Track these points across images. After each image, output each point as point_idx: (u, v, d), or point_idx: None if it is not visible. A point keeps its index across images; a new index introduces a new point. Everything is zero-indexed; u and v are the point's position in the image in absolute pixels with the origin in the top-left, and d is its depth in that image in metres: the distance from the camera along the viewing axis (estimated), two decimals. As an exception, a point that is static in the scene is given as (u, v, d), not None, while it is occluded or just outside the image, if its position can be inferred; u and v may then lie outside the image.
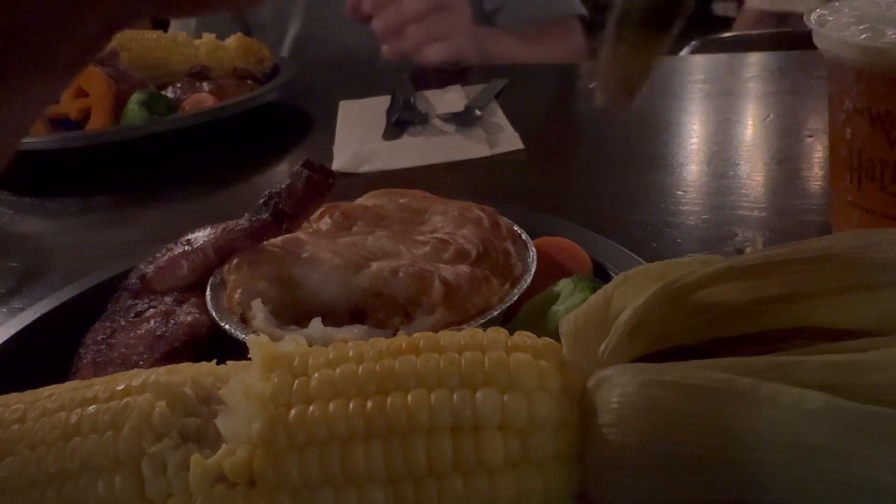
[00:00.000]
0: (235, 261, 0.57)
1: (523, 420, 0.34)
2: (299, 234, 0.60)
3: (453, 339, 0.37)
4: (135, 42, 1.29)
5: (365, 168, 0.98)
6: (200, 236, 0.61)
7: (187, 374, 0.39)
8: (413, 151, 1.02)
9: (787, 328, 0.36)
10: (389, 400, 0.34)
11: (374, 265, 0.54)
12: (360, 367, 0.35)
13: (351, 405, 0.34)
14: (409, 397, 0.34)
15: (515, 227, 0.62)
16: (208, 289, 0.58)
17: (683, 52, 1.54)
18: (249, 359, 0.37)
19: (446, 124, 1.09)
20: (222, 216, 0.63)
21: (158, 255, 0.61)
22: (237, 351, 0.40)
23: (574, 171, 0.96)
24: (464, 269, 0.54)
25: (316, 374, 0.35)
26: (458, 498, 0.33)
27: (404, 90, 1.21)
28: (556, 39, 1.52)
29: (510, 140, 1.02)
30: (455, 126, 1.08)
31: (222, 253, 0.59)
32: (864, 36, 0.55)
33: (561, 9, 1.55)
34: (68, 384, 0.41)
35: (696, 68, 1.32)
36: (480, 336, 0.37)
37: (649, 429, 0.32)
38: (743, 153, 0.95)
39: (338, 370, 0.35)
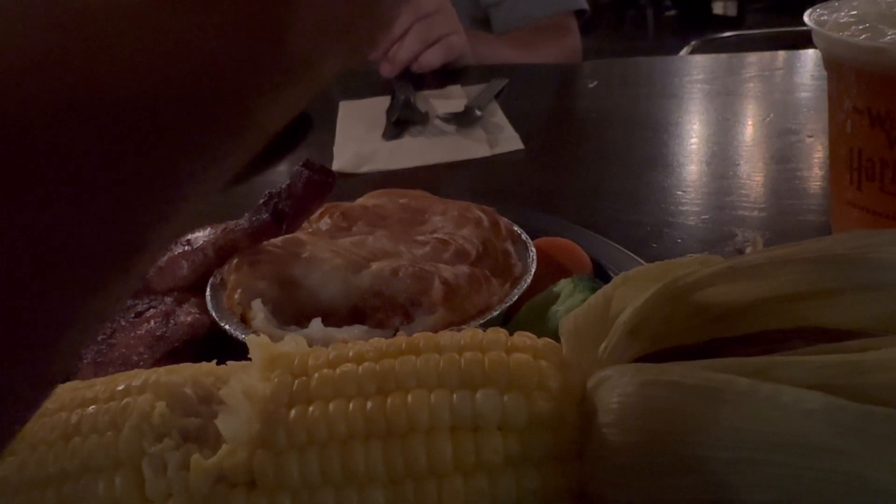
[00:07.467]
0: (235, 261, 0.57)
1: (523, 420, 0.34)
2: (299, 234, 0.59)
3: (453, 339, 0.37)
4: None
5: (365, 168, 0.98)
6: (200, 236, 0.61)
7: (187, 374, 0.39)
8: (413, 151, 1.02)
9: (787, 328, 0.36)
10: (389, 400, 0.34)
11: (374, 265, 0.54)
12: (360, 368, 0.35)
13: (351, 405, 0.34)
14: (409, 397, 0.34)
15: (515, 227, 0.62)
16: (208, 289, 0.58)
17: (683, 52, 1.54)
18: (249, 359, 0.37)
19: (446, 124, 1.09)
20: (222, 216, 0.62)
21: (158, 255, 0.61)
22: (237, 351, 0.40)
23: (574, 171, 0.96)
24: (464, 269, 0.54)
25: (316, 375, 0.35)
26: (457, 498, 0.33)
27: (404, 90, 1.20)
28: (551, 43, 1.50)
29: (510, 140, 1.02)
30: (455, 126, 1.07)
31: (222, 253, 0.59)
32: (863, 35, 0.54)
33: (560, 5, 1.53)
34: (68, 384, 0.41)
35: (696, 68, 1.32)
36: (480, 336, 0.37)
37: (649, 429, 0.32)
38: (743, 153, 0.95)
39: (338, 370, 0.35)
